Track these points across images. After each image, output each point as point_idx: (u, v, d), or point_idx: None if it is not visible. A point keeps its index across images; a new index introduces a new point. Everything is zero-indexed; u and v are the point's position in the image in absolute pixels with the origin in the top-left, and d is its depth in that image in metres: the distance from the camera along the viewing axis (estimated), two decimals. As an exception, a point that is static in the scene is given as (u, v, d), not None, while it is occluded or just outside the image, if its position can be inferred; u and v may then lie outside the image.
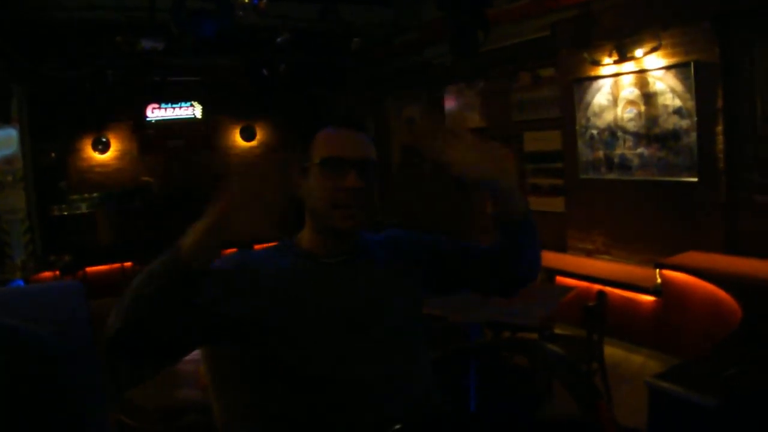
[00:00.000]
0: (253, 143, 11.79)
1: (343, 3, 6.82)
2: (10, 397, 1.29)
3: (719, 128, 5.09)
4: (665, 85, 5.43)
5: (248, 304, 1.51)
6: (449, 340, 3.71)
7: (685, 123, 5.31)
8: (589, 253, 6.40)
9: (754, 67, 4.91)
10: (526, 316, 3.97)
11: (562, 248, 6.70)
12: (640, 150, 5.73)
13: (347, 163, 1.57)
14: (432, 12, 6.76)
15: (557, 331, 5.13)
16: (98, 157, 10.41)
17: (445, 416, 1.62)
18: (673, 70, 5.36)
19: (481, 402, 1.75)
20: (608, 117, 6.01)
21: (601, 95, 6.06)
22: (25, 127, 8.14)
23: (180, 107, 10.88)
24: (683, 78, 5.28)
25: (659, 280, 5.09)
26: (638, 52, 5.58)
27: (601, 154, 6.13)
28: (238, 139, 11.68)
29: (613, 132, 5.97)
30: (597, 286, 5.05)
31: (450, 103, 8.62)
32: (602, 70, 6.02)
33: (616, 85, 5.89)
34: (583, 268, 5.84)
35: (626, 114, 5.82)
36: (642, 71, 5.62)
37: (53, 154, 9.77)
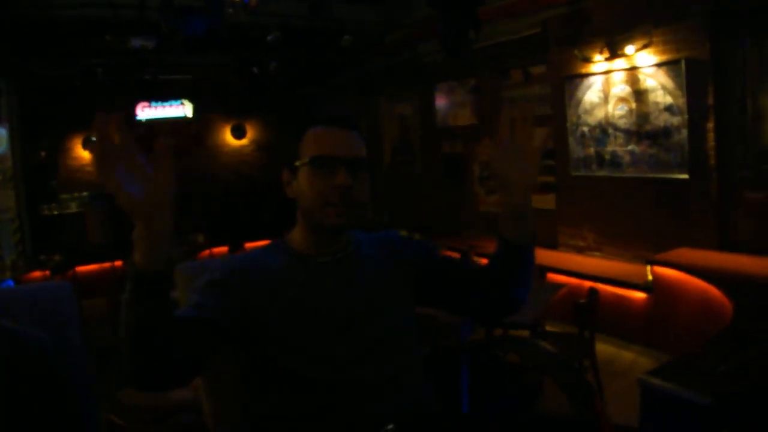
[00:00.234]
0: (244, 141, 11.77)
1: (334, 0, 6.80)
2: (8, 397, 1.29)
3: (710, 125, 5.10)
4: (656, 82, 5.44)
5: (244, 307, 1.50)
6: (441, 339, 3.70)
7: (676, 120, 5.32)
8: (580, 250, 6.41)
9: (745, 65, 4.93)
10: (518, 314, 3.96)
11: (553, 245, 6.71)
12: (631, 147, 5.74)
13: (338, 161, 1.56)
14: (423, 10, 6.76)
15: (548, 328, 5.13)
16: (88, 155, 10.37)
17: (438, 416, 1.62)
18: (664, 68, 5.37)
19: (473, 401, 1.74)
20: (599, 114, 6.02)
21: (592, 92, 6.07)
22: (14, 126, 8.11)
23: (170, 106, 10.86)
24: (674, 75, 5.29)
25: (650, 277, 5.11)
26: (629, 49, 5.59)
27: (592, 151, 6.14)
28: (228, 138, 11.66)
29: (604, 129, 5.98)
30: (588, 283, 5.05)
31: (441, 101, 8.61)
32: (593, 68, 6.02)
33: (607, 82, 5.90)
34: (574, 265, 5.85)
35: (617, 111, 5.83)
36: (633, 68, 5.63)
37: (43, 153, 9.73)
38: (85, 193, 9.88)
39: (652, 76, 5.47)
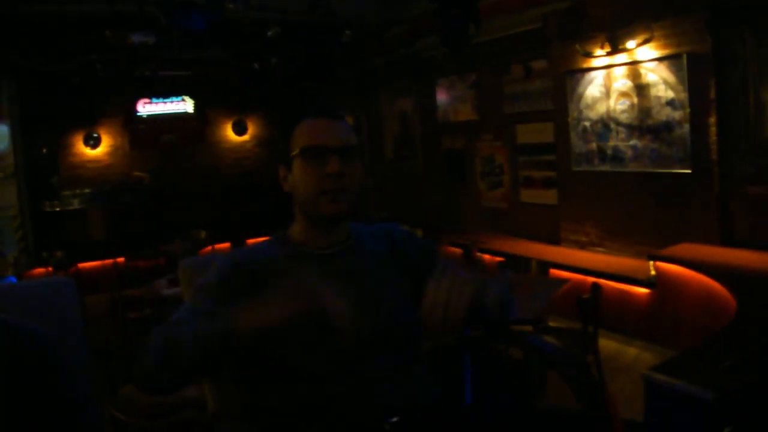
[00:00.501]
0: (245, 137, 11.79)
1: (335, -4, 6.80)
2: (7, 390, 1.28)
3: (712, 120, 5.09)
4: (658, 76, 5.42)
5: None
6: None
7: (677, 114, 5.31)
8: (582, 246, 6.40)
9: (746, 59, 4.91)
10: (521, 309, 3.96)
11: (555, 241, 6.70)
12: (632, 142, 5.73)
13: (328, 150, 1.59)
14: (423, 5, 6.75)
15: (551, 323, 5.13)
16: (90, 152, 10.39)
17: (442, 408, 1.62)
18: (665, 62, 5.35)
19: (476, 394, 1.74)
20: (601, 109, 6.01)
21: (593, 87, 6.05)
22: (15, 123, 8.10)
23: (171, 101, 10.87)
24: (676, 69, 5.27)
25: (653, 272, 5.10)
26: (630, 44, 5.57)
27: (594, 146, 6.13)
28: (230, 133, 11.67)
29: (606, 124, 5.97)
30: (591, 279, 5.05)
31: (442, 96, 8.60)
32: (594, 62, 6.01)
33: (608, 77, 5.89)
34: (576, 261, 5.84)
35: (619, 106, 5.81)
36: (634, 63, 5.61)
37: (44, 150, 9.74)
38: (86, 190, 9.89)
39: (654, 70, 5.45)
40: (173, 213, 10.01)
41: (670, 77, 5.31)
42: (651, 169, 5.60)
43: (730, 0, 4.98)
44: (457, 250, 7.00)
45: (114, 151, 10.62)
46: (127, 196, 10.01)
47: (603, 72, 5.93)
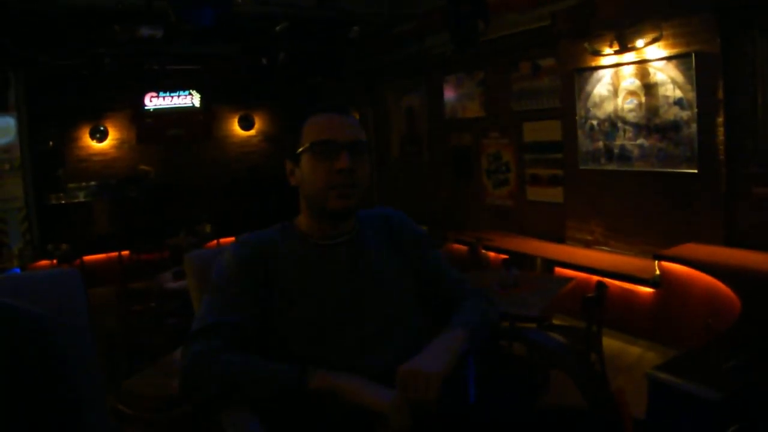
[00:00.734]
0: (252, 132, 11.80)
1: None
2: (7, 375, 1.27)
3: (720, 120, 5.07)
4: (666, 75, 5.41)
5: (262, 297, 1.58)
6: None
7: (685, 114, 5.29)
8: (587, 244, 6.39)
9: (755, 59, 4.89)
10: (526, 307, 3.96)
11: (560, 239, 6.69)
12: (640, 141, 5.71)
13: (337, 144, 1.60)
14: (432, 1, 6.74)
15: (556, 321, 5.13)
16: (96, 145, 10.41)
17: (445, 403, 1.61)
18: (674, 61, 5.34)
19: (480, 392, 1.74)
20: (608, 107, 5.99)
21: (601, 85, 6.04)
22: (22, 116, 8.12)
23: (178, 96, 10.88)
24: (684, 69, 5.25)
25: (658, 272, 5.09)
26: (639, 43, 5.56)
27: (600, 144, 6.11)
28: (236, 128, 11.67)
29: (614, 123, 5.95)
30: (595, 277, 5.04)
31: (449, 93, 8.59)
32: (603, 61, 5.99)
33: (616, 76, 5.87)
34: (581, 259, 5.83)
35: (626, 104, 5.80)
36: (643, 62, 5.59)
37: (51, 143, 9.76)
38: (92, 183, 9.92)
39: (662, 69, 5.44)
40: (179, 207, 10.04)
41: (679, 76, 5.30)
42: (658, 169, 5.59)
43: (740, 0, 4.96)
44: (463, 247, 7.00)
45: (120, 144, 10.64)
46: (132, 190, 10.03)
47: (611, 70, 5.92)
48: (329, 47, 8.98)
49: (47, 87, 8.88)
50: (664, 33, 5.36)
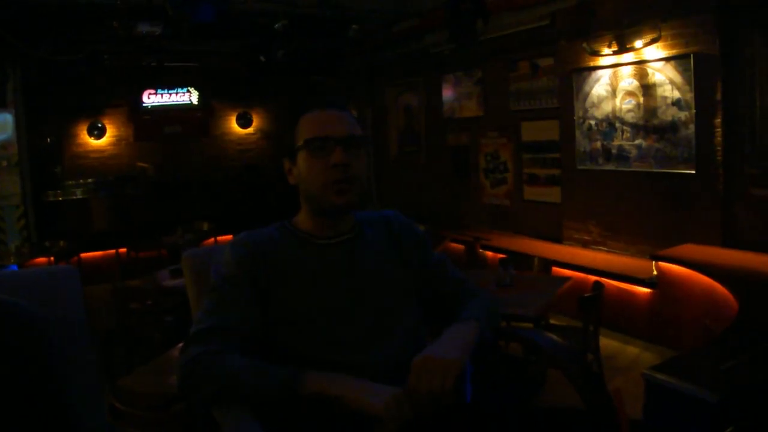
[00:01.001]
0: (250, 130, 11.79)
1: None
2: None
3: (718, 120, 5.08)
4: (664, 76, 5.41)
5: (263, 296, 1.58)
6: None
7: (683, 115, 5.29)
8: (585, 244, 6.39)
9: (754, 60, 4.89)
10: (523, 306, 3.96)
11: (558, 239, 6.70)
12: (638, 141, 5.72)
13: (332, 140, 1.59)
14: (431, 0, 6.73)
15: (553, 321, 5.13)
16: (94, 142, 10.40)
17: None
18: (672, 62, 5.34)
19: (476, 391, 1.74)
20: (607, 108, 5.99)
21: (599, 86, 6.04)
22: (20, 112, 8.11)
23: (177, 93, 10.87)
24: (682, 70, 5.26)
25: (655, 272, 5.09)
26: (638, 43, 5.56)
27: (598, 144, 6.12)
28: (234, 126, 11.66)
29: (611, 123, 5.95)
30: (593, 277, 5.05)
31: (448, 92, 8.59)
32: (601, 61, 5.99)
33: (615, 76, 5.87)
34: (579, 259, 5.83)
35: (625, 105, 5.80)
36: (641, 62, 5.59)
37: (49, 140, 9.74)
38: (90, 180, 9.89)
39: (661, 70, 5.44)
40: (176, 204, 10.03)
41: (677, 77, 5.30)
42: (655, 169, 5.59)
43: (738, 1, 4.96)
44: (460, 247, 7.00)
45: (118, 141, 10.63)
46: (130, 187, 10.01)
47: (609, 71, 5.92)
48: (328, 45, 8.98)
49: (45, 83, 8.86)
50: (663, 34, 5.36)
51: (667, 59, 5.37)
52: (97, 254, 8.24)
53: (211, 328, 1.50)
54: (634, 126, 5.74)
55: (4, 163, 7.82)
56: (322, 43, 8.87)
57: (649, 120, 5.59)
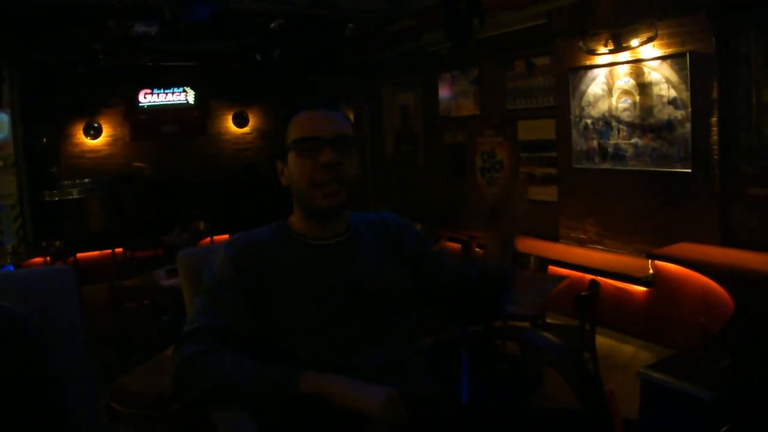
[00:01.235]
0: (246, 129, 11.78)
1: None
2: None
3: (714, 119, 5.08)
4: (660, 75, 5.41)
5: (258, 297, 1.57)
6: (442, 329, 3.70)
7: (679, 114, 5.30)
8: (581, 243, 6.40)
9: (750, 59, 4.90)
10: (519, 305, 3.96)
11: (554, 237, 6.70)
12: (634, 140, 5.72)
13: (321, 140, 1.59)
14: (428, -1, 6.73)
15: (549, 320, 5.13)
16: (90, 142, 10.39)
17: (438, 402, 1.62)
18: (668, 61, 5.34)
19: (473, 390, 1.74)
20: (603, 106, 6.00)
21: (596, 85, 6.04)
22: (16, 112, 8.08)
23: (173, 92, 10.86)
24: (679, 68, 5.26)
25: (651, 271, 5.10)
26: (634, 42, 5.56)
27: (595, 143, 6.12)
28: (231, 125, 11.65)
29: (608, 122, 5.96)
30: (589, 276, 5.05)
31: (444, 91, 8.59)
32: (598, 60, 6.00)
33: (611, 75, 5.88)
34: (575, 258, 5.84)
35: (621, 104, 5.80)
36: (637, 61, 5.60)
37: (45, 140, 9.72)
38: (86, 180, 9.87)
39: (657, 69, 5.44)
40: (173, 204, 10.01)
41: (673, 76, 5.30)
42: (652, 168, 5.59)
43: (735, 0, 4.97)
44: (456, 245, 7.00)
45: (114, 141, 10.61)
46: (126, 187, 9.98)
47: (606, 70, 5.92)
48: (325, 45, 8.96)
49: (42, 83, 8.85)
50: (659, 33, 5.36)
51: (663, 58, 5.38)
52: (93, 254, 8.22)
53: (205, 327, 1.49)
54: (631, 125, 5.74)
55: (0, 163, 7.80)
56: (318, 43, 8.86)
57: (646, 119, 5.59)
